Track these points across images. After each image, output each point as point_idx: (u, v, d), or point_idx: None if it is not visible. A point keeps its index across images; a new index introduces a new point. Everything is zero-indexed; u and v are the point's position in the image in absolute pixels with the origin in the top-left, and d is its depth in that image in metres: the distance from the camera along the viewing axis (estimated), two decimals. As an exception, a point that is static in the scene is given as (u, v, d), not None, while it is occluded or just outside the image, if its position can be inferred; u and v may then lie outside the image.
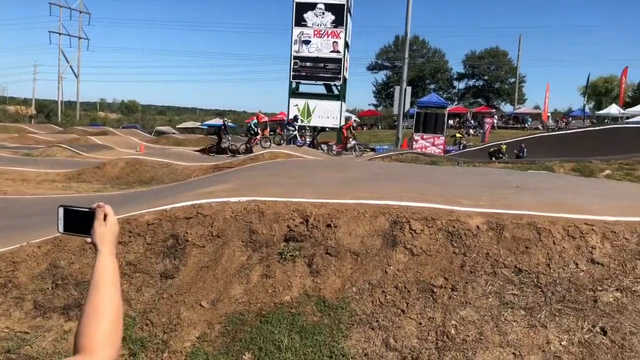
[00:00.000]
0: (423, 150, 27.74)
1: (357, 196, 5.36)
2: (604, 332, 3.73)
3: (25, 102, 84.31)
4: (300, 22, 26.47)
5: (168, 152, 23.84)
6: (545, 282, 4.12)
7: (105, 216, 1.30)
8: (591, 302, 3.95)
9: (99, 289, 1.20)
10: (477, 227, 4.60)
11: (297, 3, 26.50)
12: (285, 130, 28.56)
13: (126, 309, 4.30)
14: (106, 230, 1.28)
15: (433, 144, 29.44)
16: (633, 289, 4.02)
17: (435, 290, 4.15)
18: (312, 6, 26.32)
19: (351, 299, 4.20)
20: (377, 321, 3.98)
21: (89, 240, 1.29)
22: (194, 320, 4.15)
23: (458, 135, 35.46)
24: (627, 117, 45.90)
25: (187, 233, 4.83)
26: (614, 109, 49.63)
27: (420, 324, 3.93)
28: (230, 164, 18.73)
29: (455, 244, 4.48)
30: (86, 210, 1.30)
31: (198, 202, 5.23)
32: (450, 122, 50.46)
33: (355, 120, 34.85)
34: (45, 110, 73.98)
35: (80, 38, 70.99)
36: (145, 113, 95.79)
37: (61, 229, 1.30)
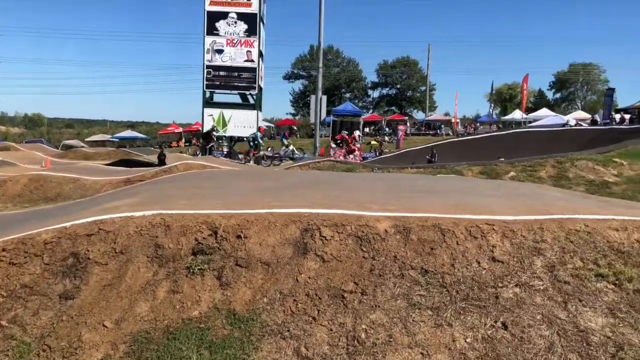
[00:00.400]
0: (340, 157, 28.16)
1: (269, 205, 5.31)
2: (505, 326, 3.89)
3: None
4: (212, 30, 26.11)
5: (76, 166, 22.67)
6: (450, 282, 4.26)
7: None
8: (493, 299, 4.12)
9: None
10: (385, 230, 4.69)
11: (208, 12, 26.14)
12: (201, 141, 28.06)
13: (20, 334, 4.00)
14: None
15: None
16: (530, 284, 4.24)
17: (345, 295, 4.17)
18: (224, 15, 26.05)
19: (262, 309, 4.13)
20: (288, 330, 3.94)
21: None
22: (97, 342, 3.92)
23: (374, 142, 36.34)
24: (530, 122, 49.04)
25: (88, 251, 4.57)
26: (517, 114, 52.80)
27: (332, 330, 3.93)
28: (142, 177, 18.09)
29: (364, 249, 4.54)
30: None
31: (100, 217, 4.98)
32: (366, 129, 51.61)
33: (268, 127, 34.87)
34: (-63, 125, 68.36)
35: (-25, 47, 66.22)
36: (51, 127, 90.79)
37: None
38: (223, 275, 4.38)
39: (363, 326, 3.93)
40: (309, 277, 4.34)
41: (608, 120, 33.92)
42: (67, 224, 4.93)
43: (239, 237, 4.67)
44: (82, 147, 49.77)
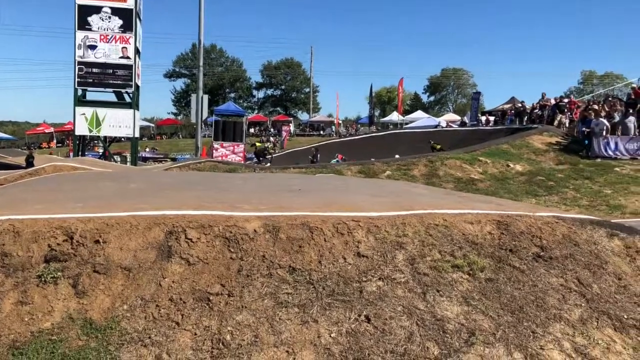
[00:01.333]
0: (224, 158, 27.77)
1: (133, 208, 5.05)
2: (368, 319, 4.02)
3: None
4: (84, 25, 24.48)
5: None
6: (317, 278, 4.32)
7: None
8: (357, 293, 4.24)
9: None
10: (255, 230, 4.66)
11: (79, 5, 24.46)
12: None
13: None
14: None
15: (233, 152, 29.68)
16: (392, 277, 4.41)
17: (211, 298, 4.08)
18: (97, 9, 24.54)
19: (122, 317, 3.92)
20: (149, 337, 3.77)
21: None
22: None
23: (258, 143, 36.24)
24: (406, 123, 51.63)
25: None
26: (394, 116, 55.41)
27: (196, 334, 3.82)
28: (4, 181, 16.56)
29: (232, 249, 4.47)
30: None
31: None
32: (252, 130, 51.43)
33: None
34: None
35: None
36: None
37: None
38: (79, 282, 4.10)
39: (229, 328, 3.86)
40: (173, 281, 4.19)
41: (475, 122, 36.58)
42: None
43: (97, 242, 4.39)
44: None
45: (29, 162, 22.27)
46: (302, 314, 4.02)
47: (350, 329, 3.94)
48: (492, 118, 37.27)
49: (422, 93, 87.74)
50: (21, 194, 6.66)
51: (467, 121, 39.68)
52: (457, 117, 52.70)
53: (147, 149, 45.80)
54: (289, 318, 3.99)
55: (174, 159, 37.44)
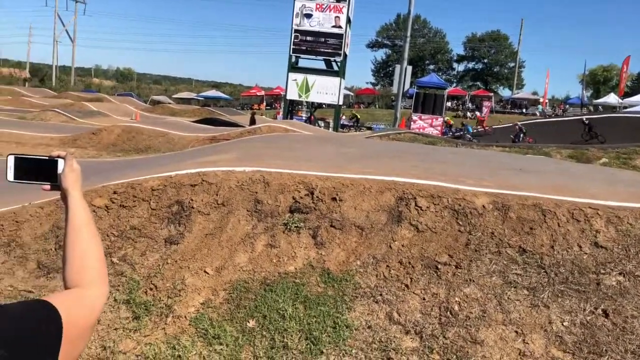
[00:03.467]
0: (421, 130, 27.70)
1: (362, 171, 5.34)
2: (605, 314, 3.76)
3: (19, 64, 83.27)
4: (302, -6, 26.13)
5: (164, 121, 23.64)
6: (549, 263, 4.15)
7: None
8: (594, 285, 3.98)
9: (82, 230, 1.19)
10: (483, 206, 4.61)
11: (300, -24, 26.12)
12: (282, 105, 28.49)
13: (130, 272, 4.30)
14: (77, 176, 1.27)
15: (431, 125, 29.38)
16: (636, 273, 4.05)
17: (439, 267, 4.16)
18: (316, -21, 25.95)
19: (355, 272, 4.21)
20: (380, 295, 3.99)
21: (47, 187, 1.27)
22: (199, 287, 4.15)
23: (450, 120, 35.32)
24: (625, 107, 45.94)
25: (192, 200, 4.80)
26: (612, 98, 49.62)
27: (424, 299, 3.95)
28: (228, 136, 18.63)
29: (460, 222, 4.49)
30: (46, 158, 1.28)
31: (203, 170, 5.19)
32: (449, 104, 50.31)
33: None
34: (39, 74, 73.04)
35: (77, 1, 69.63)
36: (140, 82, 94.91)
37: (11, 177, 1.28)
38: (318, 234, 4.48)
39: (456, 299, 3.92)
40: (403, 245, 4.36)
41: None
42: (172, 173, 5.19)
43: (334, 199, 4.74)
44: (169, 103, 51.87)
45: (253, 120, 24.81)
46: (531, 297, 3.91)
47: (585, 320, 3.74)
48: None
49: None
50: (260, 149, 7.44)
51: None
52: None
53: (344, 117, 47.61)
54: (518, 299, 3.91)
55: (369, 128, 38.36)
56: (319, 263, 4.30)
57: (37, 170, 1.27)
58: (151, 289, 4.14)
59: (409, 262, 4.22)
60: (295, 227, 4.53)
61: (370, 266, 4.24)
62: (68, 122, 24.37)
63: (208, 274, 4.23)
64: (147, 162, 9.66)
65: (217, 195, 4.84)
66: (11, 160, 1.26)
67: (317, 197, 4.77)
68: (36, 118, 25.48)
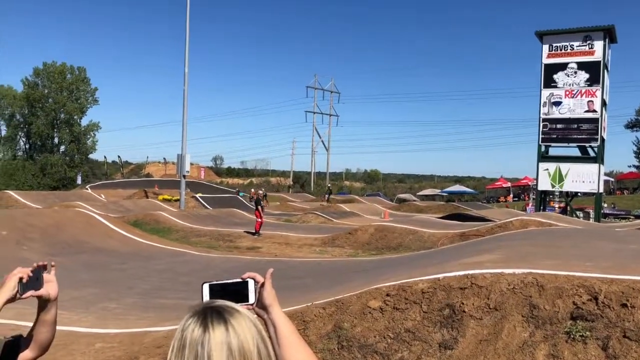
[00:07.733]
0: None
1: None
2: None
3: (284, 173, 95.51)
4: (549, 83, 25.20)
5: (412, 219, 24.33)
6: None
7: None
8: None
9: (294, 338, 1.34)
10: None
11: (545, 65, 25.39)
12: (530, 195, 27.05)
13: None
14: (275, 295, 1.41)
15: None
16: None
17: None
18: (563, 66, 24.91)
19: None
20: None
21: (250, 305, 1.40)
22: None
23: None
24: None
25: (462, 304, 4.78)
26: None
27: None
28: (478, 232, 18.27)
29: None
30: (238, 281, 1.40)
31: (470, 272, 5.17)
32: None
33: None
34: (299, 181, 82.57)
35: (330, 115, 78.36)
36: (386, 181, 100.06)
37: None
38: (609, 346, 4.01)
39: None
40: None
41: None
42: (440, 276, 5.27)
43: (624, 305, 4.23)
44: (414, 200, 53.43)
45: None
46: None
47: None
48: None
49: None
50: (521, 247, 7.13)
51: None
52: None
53: (605, 205, 42.89)
54: None
55: (638, 217, 33.77)
56: (615, 379, 3.82)
57: (228, 292, 1.39)
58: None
59: None
60: (580, 336, 4.14)
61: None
62: (326, 223, 26.75)
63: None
64: (407, 261, 9.96)
65: (488, 299, 4.73)
66: (206, 289, 1.41)
67: (603, 302, 4.32)
68: (299, 220, 28.53)
